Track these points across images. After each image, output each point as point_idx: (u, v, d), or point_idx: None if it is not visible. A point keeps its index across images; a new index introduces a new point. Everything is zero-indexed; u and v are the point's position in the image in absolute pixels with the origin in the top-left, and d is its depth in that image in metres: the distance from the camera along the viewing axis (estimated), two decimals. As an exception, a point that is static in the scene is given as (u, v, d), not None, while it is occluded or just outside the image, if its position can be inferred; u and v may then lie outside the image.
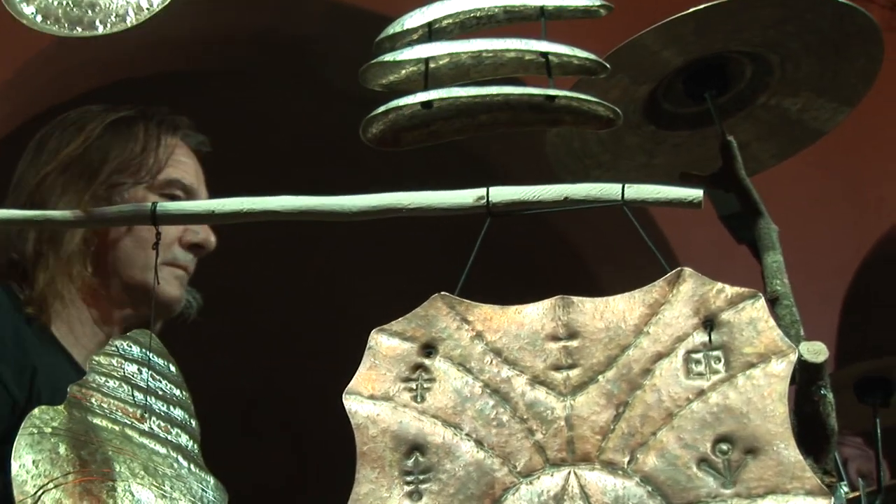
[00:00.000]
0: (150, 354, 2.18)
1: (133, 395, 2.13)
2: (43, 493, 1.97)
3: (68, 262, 2.95)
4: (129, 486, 2.06)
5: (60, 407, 2.07)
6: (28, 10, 2.32)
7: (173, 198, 3.04)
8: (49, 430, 2.02)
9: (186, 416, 2.16)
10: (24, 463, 1.98)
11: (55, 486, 1.99)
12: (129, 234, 3.05)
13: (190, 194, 3.07)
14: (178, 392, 2.17)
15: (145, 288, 2.99)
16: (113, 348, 2.17)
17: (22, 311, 2.86)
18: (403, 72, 2.19)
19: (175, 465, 2.11)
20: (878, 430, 5.02)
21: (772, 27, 2.93)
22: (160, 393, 2.15)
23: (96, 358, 2.14)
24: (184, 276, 3.07)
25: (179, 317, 3.08)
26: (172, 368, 2.19)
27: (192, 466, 2.11)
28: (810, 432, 2.44)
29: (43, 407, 2.05)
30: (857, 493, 3.52)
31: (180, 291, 3.05)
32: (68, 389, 2.09)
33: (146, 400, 2.13)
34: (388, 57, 2.19)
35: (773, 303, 2.69)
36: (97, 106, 3.17)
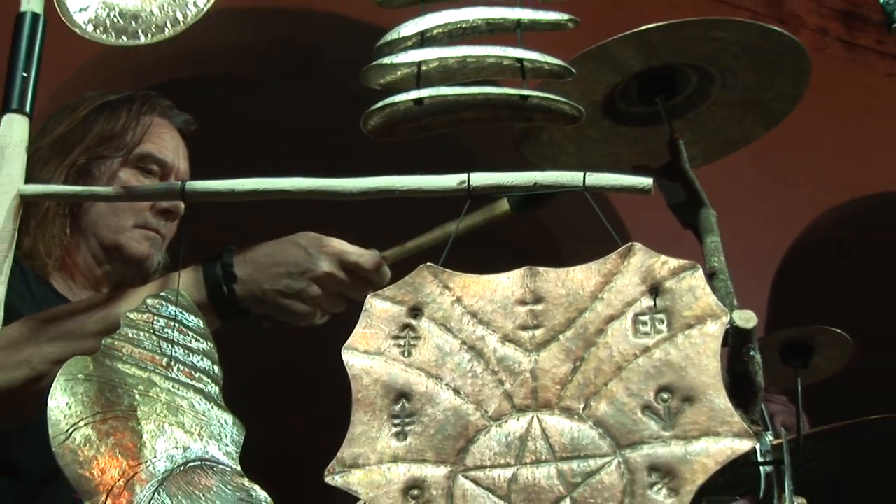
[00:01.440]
0: (179, 311, 2.17)
1: (160, 346, 2.11)
2: (74, 430, 1.96)
3: (45, 223, 2.95)
4: (152, 423, 2.05)
5: (91, 357, 2.06)
6: (81, 19, 2.32)
7: (147, 171, 3.05)
8: (82, 376, 2.01)
9: (210, 364, 2.15)
10: (59, 404, 1.97)
11: (85, 424, 1.98)
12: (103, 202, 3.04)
13: (164, 167, 3.09)
14: (203, 344, 2.15)
15: (117, 247, 3.04)
16: (144, 306, 2.16)
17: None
18: (399, 73, 2.20)
19: (197, 405, 2.09)
20: (799, 389, 5.04)
21: (711, 44, 2.93)
22: (186, 344, 2.14)
23: (129, 314, 2.13)
24: (156, 237, 3.10)
25: (153, 273, 3.09)
26: (200, 323, 2.18)
27: (213, 406, 2.10)
28: (741, 388, 2.44)
29: (77, 357, 2.04)
30: (780, 441, 3.51)
31: (150, 251, 3.07)
32: (103, 341, 2.08)
33: (172, 350, 2.12)
34: (386, 60, 2.19)
35: (710, 277, 2.69)
36: (94, 92, 3.17)
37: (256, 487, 2.05)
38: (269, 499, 2.04)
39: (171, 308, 2.18)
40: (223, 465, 2.06)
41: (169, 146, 3.15)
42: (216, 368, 2.15)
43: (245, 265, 2.65)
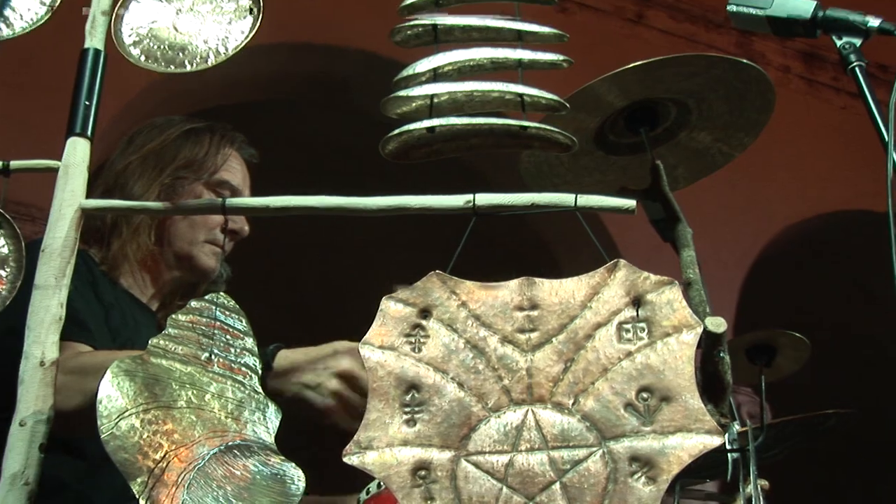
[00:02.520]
0: (220, 311, 2.16)
1: (201, 344, 2.11)
2: (120, 419, 1.95)
3: (136, 232, 2.97)
4: (192, 412, 2.04)
5: (139, 354, 2.05)
6: (135, 52, 2.32)
7: (221, 195, 3.07)
8: (128, 373, 2.01)
9: (250, 357, 2.13)
10: (108, 398, 1.97)
11: (130, 415, 1.97)
12: (184, 218, 3.07)
13: (235, 193, 3.12)
14: (243, 340, 2.14)
15: (189, 257, 3.10)
16: (189, 308, 2.15)
17: (97, 268, 2.88)
18: (414, 104, 2.19)
19: (235, 394, 2.08)
20: (763, 384, 5.05)
21: (686, 80, 2.92)
22: (227, 341, 2.13)
23: (174, 315, 2.12)
24: (220, 253, 3.10)
25: (214, 283, 3.10)
26: (241, 321, 2.17)
27: (251, 395, 2.09)
28: (711, 385, 2.43)
29: (125, 358, 2.04)
30: (745, 429, 3.51)
31: (215, 264, 3.09)
32: (149, 342, 2.08)
33: (212, 346, 2.11)
34: (403, 93, 2.19)
35: (686, 286, 2.68)
36: (178, 117, 3.19)
37: (290, 465, 2.04)
38: (301, 476, 2.03)
39: (214, 310, 2.16)
40: (260, 446, 2.05)
41: (239, 175, 3.20)
42: (256, 361, 2.14)
43: (284, 359, 2.66)
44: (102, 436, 1.98)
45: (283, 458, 2.04)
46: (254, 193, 2.96)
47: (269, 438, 2.07)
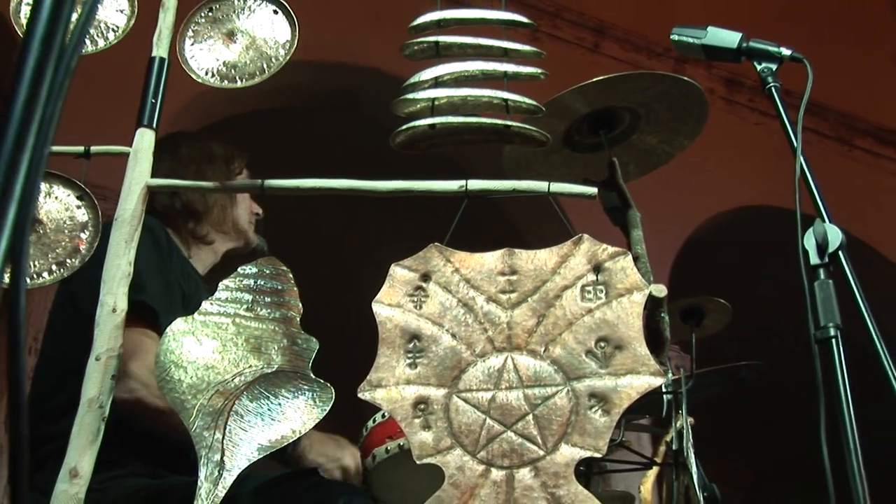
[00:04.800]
0: (261, 275, 2.14)
1: (242, 296, 2.09)
2: (172, 365, 1.97)
3: (222, 212, 2.95)
4: (232, 351, 2.04)
5: (189, 317, 2.07)
6: (195, 68, 2.33)
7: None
8: (184, 330, 2.04)
9: (289, 299, 2.11)
10: (162, 350, 2.02)
11: (178, 361, 1.98)
12: (242, 201, 3.07)
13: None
14: (282, 285, 2.12)
15: (244, 232, 3.11)
16: (237, 273, 2.14)
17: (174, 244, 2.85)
18: (419, 105, 2.18)
19: (273, 332, 2.07)
20: (693, 340, 5.04)
21: (638, 93, 2.93)
22: (266, 289, 2.11)
23: (225, 281, 2.12)
24: (254, 228, 3.09)
25: (254, 252, 3.10)
26: (281, 282, 2.14)
27: (287, 330, 2.07)
28: (654, 339, 2.43)
29: (180, 319, 2.08)
30: (676, 377, 3.50)
31: (255, 237, 3.12)
32: (202, 302, 2.09)
33: (253, 297, 2.09)
34: (409, 96, 2.19)
35: (635, 259, 2.66)
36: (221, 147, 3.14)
37: (318, 384, 2.02)
38: (331, 392, 2.01)
39: (256, 273, 2.15)
40: (292, 372, 2.03)
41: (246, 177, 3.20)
42: (294, 302, 2.11)
43: (306, 438, 2.68)
44: (159, 384, 2.00)
45: (316, 379, 2.02)
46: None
47: (304, 366, 2.04)
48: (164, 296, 2.63)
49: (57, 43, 0.90)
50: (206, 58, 2.33)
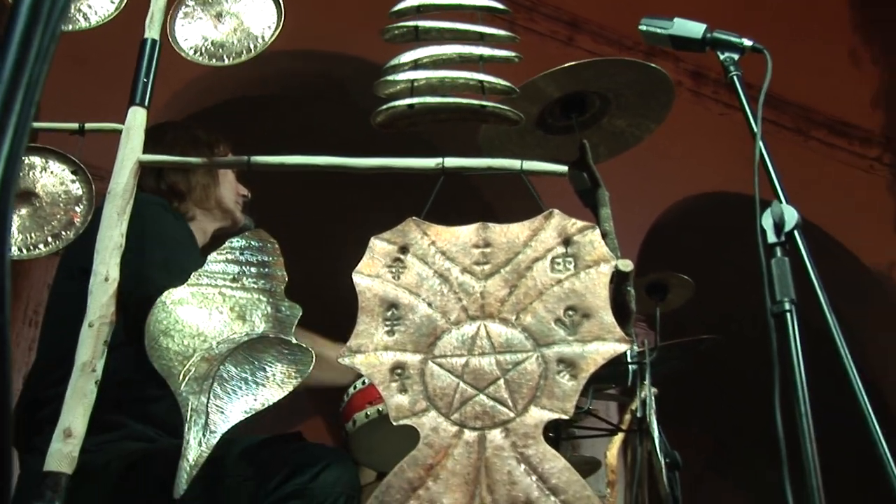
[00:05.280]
0: (248, 247, 2.13)
1: (229, 269, 2.08)
2: (161, 335, 1.97)
3: (204, 191, 2.93)
4: (217, 318, 2.03)
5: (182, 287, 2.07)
6: (185, 47, 2.32)
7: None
8: (176, 300, 2.03)
9: (273, 270, 2.10)
10: (152, 321, 2.00)
11: (166, 329, 1.98)
12: (226, 182, 3.04)
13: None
14: (268, 257, 2.11)
15: (230, 211, 3.05)
16: (225, 246, 2.13)
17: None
18: (399, 86, 2.17)
19: (256, 301, 2.06)
20: (658, 315, 5.05)
21: (608, 79, 2.92)
22: (252, 261, 2.10)
23: (213, 255, 2.11)
24: (241, 208, 3.07)
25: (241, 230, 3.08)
26: (268, 245, 2.13)
27: (270, 299, 2.06)
28: (620, 311, 2.40)
29: (172, 290, 2.08)
30: (641, 349, 3.51)
31: (242, 216, 3.09)
32: (192, 274, 2.09)
33: (239, 268, 2.08)
34: (390, 77, 2.18)
35: (603, 236, 2.65)
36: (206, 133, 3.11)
37: (300, 347, 2.00)
38: (309, 350, 2.00)
39: (243, 246, 2.13)
40: (275, 338, 2.02)
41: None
42: (279, 272, 2.10)
43: None
44: (147, 349, 1.99)
45: (297, 344, 2.01)
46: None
47: (285, 332, 2.03)
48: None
49: (44, 9, 0.89)
50: (195, 37, 2.32)
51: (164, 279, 2.25)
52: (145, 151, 2.21)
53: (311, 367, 1.97)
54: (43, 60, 0.88)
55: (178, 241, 2.62)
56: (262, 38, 2.30)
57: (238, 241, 2.14)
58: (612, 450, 4.01)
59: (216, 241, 3.03)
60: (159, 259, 2.43)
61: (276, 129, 7.65)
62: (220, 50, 2.30)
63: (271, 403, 1.95)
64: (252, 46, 2.29)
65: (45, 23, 0.88)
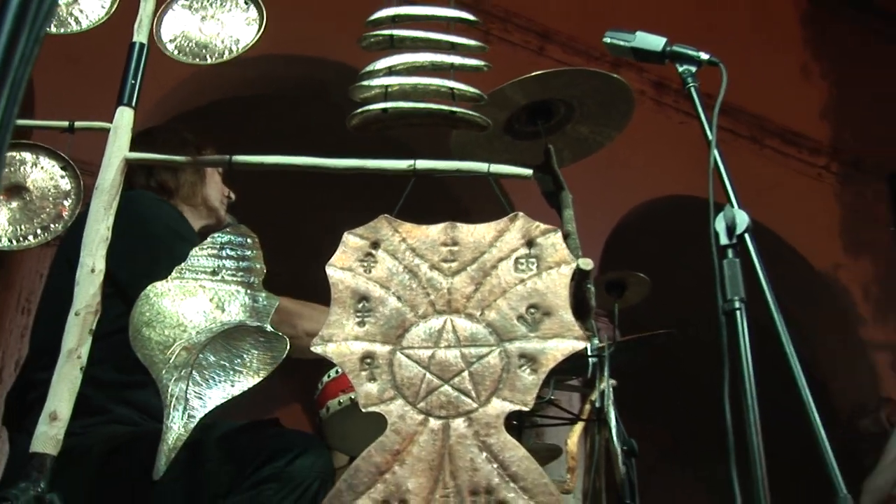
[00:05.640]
0: (230, 243, 2.12)
1: (209, 262, 2.08)
2: (143, 326, 1.96)
3: (191, 188, 2.92)
4: (196, 310, 2.02)
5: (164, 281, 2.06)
6: (170, 47, 2.29)
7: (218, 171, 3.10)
8: (159, 293, 2.01)
9: (252, 264, 2.09)
10: (136, 311, 2.00)
11: (148, 320, 1.97)
12: (212, 182, 3.03)
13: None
14: (248, 252, 2.10)
15: (215, 210, 3.05)
16: (207, 241, 2.13)
17: None
18: (373, 91, 2.16)
19: (234, 293, 2.05)
20: (616, 311, 5.07)
21: (572, 87, 2.92)
22: (232, 255, 2.09)
23: (195, 250, 2.10)
24: (225, 207, 3.06)
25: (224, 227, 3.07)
26: (248, 241, 2.12)
27: (248, 291, 2.05)
28: (580, 308, 2.41)
29: (156, 283, 2.06)
30: (602, 345, 3.51)
31: (225, 216, 3.09)
32: (175, 267, 2.08)
33: (218, 262, 2.07)
34: (365, 83, 2.17)
35: (566, 237, 2.65)
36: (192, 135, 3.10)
37: (275, 335, 2.00)
38: (283, 338, 1.99)
39: (224, 241, 2.12)
40: (251, 326, 2.01)
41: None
42: (258, 265, 2.08)
43: None
44: (131, 339, 1.98)
45: (272, 331, 2.00)
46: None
47: (261, 321, 2.02)
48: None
49: (29, 15, 0.89)
50: (179, 38, 2.31)
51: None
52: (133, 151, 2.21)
53: (285, 353, 1.97)
54: (27, 63, 0.87)
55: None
56: (244, 41, 2.29)
57: (219, 236, 2.13)
58: (573, 438, 4.02)
59: (200, 238, 3.03)
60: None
61: (263, 129, 7.63)
62: (204, 50, 2.30)
63: (247, 389, 1.95)
64: (234, 47, 2.29)
65: (29, 27, 0.88)
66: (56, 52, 5.83)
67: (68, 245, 2.26)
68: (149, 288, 2.05)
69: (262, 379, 1.96)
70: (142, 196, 2.67)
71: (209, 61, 2.29)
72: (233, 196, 3.13)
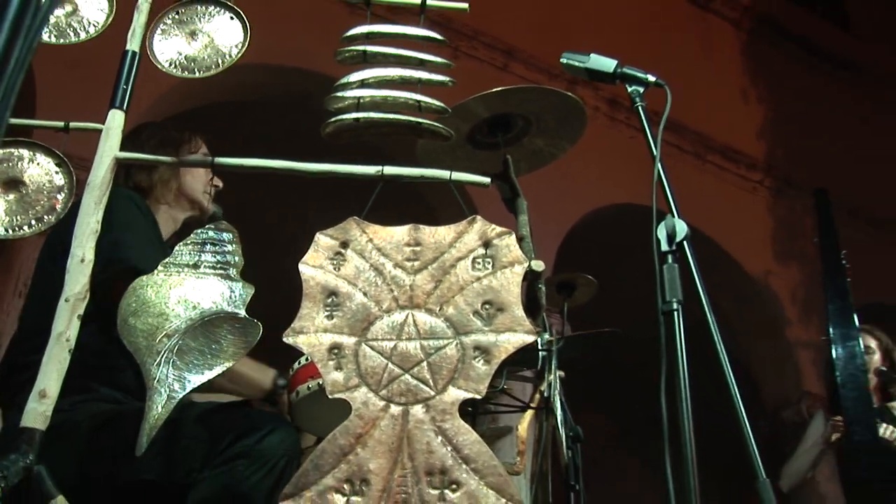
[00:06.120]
0: (211, 237, 2.11)
1: (191, 255, 2.07)
2: (130, 316, 1.96)
3: (164, 187, 2.88)
4: (177, 300, 2.01)
5: (149, 275, 2.06)
6: (161, 59, 2.28)
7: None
8: (146, 283, 2.02)
9: (232, 257, 2.08)
10: (128, 302, 2.02)
11: (134, 311, 1.95)
12: (190, 175, 2.98)
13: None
14: (228, 247, 2.09)
15: (197, 200, 3.00)
16: (191, 236, 2.12)
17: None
18: (346, 102, 2.16)
19: (213, 282, 2.05)
20: (566, 308, 5.07)
21: (530, 103, 2.93)
22: (213, 250, 2.08)
23: (179, 245, 2.10)
24: (210, 198, 3.02)
25: (212, 218, 3.02)
26: (227, 236, 2.11)
27: (227, 280, 2.04)
28: (532, 306, 2.42)
29: (143, 277, 2.06)
30: (551, 339, 3.52)
31: (210, 205, 3.03)
32: (160, 262, 2.07)
33: (200, 255, 2.06)
34: (339, 94, 2.17)
35: (520, 240, 2.66)
36: (160, 123, 3.07)
37: (250, 321, 1.99)
38: (257, 323, 1.98)
39: (206, 236, 2.12)
40: (228, 314, 2.00)
41: (205, 150, 3.08)
42: (236, 259, 2.08)
43: None
44: (119, 330, 1.97)
45: (245, 317, 2.00)
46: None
47: (237, 309, 2.02)
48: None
49: (24, 27, 0.88)
50: (171, 51, 2.30)
51: (115, 256, 2.33)
52: (126, 151, 2.19)
53: (258, 337, 1.97)
54: (20, 69, 0.87)
55: (126, 223, 2.55)
56: (230, 55, 2.28)
57: (202, 232, 2.12)
58: (523, 424, 4.01)
59: (187, 227, 3.00)
60: (110, 241, 2.41)
61: (248, 134, 7.60)
62: (193, 64, 2.29)
63: (225, 369, 1.95)
64: (220, 62, 2.28)
65: (24, 37, 0.88)
66: (56, 58, 5.83)
67: (62, 234, 2.24)
68: (136, 281, 2.05)
69: (235, 362, 1.95)
70: (113, 194, 2.65)
71: (197, 75, 2.28)
72: (220, 184, 3.10)
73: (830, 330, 4.20)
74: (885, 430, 4.59)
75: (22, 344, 2.53)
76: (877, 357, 4.92)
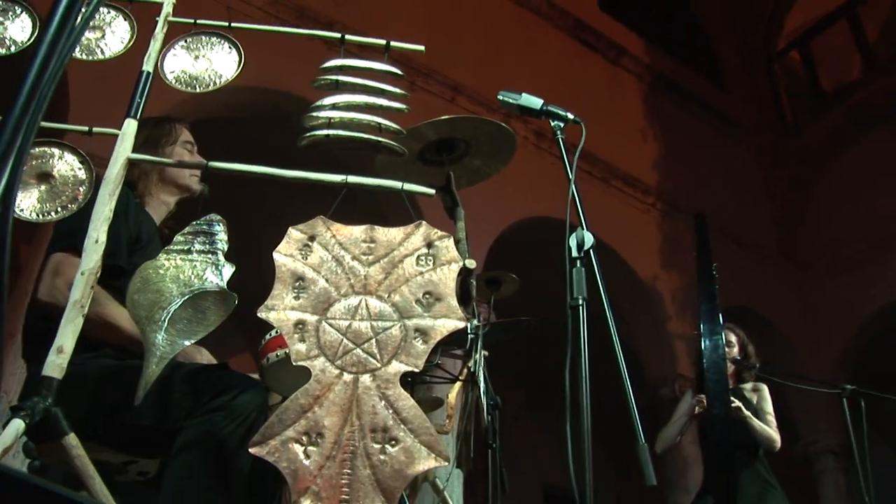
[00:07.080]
0: (204, 227, 2.09)
1: (183, 243, 2.05)
2: (134, 294, 1.93)
3: (146, 178, 2.83)
4: (169, 280, 1.99)
5: (149, 262, 2.03)
6: (170, 77, 2.26)
7: (186, 145, 2.94)
8: (149, 267, 1.99)
9: (221, 243, 2.06)
10: (136, 284, 2.00)
11: (138, 292, 1.95)
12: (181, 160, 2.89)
13: (193, 146, 2.96)
14: (218, 234, 2.07)
15: (182, 184, 2.91)
16: (188, 227, 2.10)
17: (133, 201, 2.72)
18: (319, 121, 2.15)
19: (200, 264, 2.03)
20: (493, 300, 5.08)
21: (472, 129, 2.95)
22: (205, 237, 2.06)
23: (178, 235, 2.08)
24: (197, 179, 2.94)
25: (199, 197, 2.96)
26: (218, 224, 2.09)
27: (211, 262, 2.03)
28: (464, 297, 2.44)
29: (148, 262, 2.04)
30: (479, 325, 3.52)
31: (197, 186, 2.94)
32: (163, 249, 2.05)
33: (192, 243, 2.04)
34: (314, 114, 2.16)
35: (457, 242, 2.68)
36: (154, 117, 2.99)
37: (228, 293, 1.98)
38: (233, 295, 1.97)
39: (201, 226, 2.10)
40: (214, 289, 1.99)
41: (190, 137, 3.00)
42: (222, 244, 2.06)
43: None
44: (127, 306, 1.96)
45: (225, 290, 1.99)
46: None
47: (221, 284, 2.01)
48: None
49: (59, 46, 0.87)
50: (177, 70, 2.28)
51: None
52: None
53: (234, 306, 1.97)
54: (52, 81, 0.86)
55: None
56: (225, 76, 2.28)
57: (197, 224, 2.11)
58: (453, 393, 4.02)
59: (181, 206, 2.95)
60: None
61: (240, 146, 7.51)
62: (194, 81, 2.27)
63: (205, 335, 1.96)
64: (217, 81, 2.27)
65: (57, 57, 0.87)
66: (87, 73, 5.76)
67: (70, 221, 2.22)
68: (142, 265, 2.03)
69: (215, 327, 1.95)
70: None
71: (198, 90, 2.26)
72: (206, 163, 3.04)
73: (701, 326, 4.26)
74: (735, 405, 4.77)
75: (41, 310, 2.50)
76: (735, 349, 5.08)
